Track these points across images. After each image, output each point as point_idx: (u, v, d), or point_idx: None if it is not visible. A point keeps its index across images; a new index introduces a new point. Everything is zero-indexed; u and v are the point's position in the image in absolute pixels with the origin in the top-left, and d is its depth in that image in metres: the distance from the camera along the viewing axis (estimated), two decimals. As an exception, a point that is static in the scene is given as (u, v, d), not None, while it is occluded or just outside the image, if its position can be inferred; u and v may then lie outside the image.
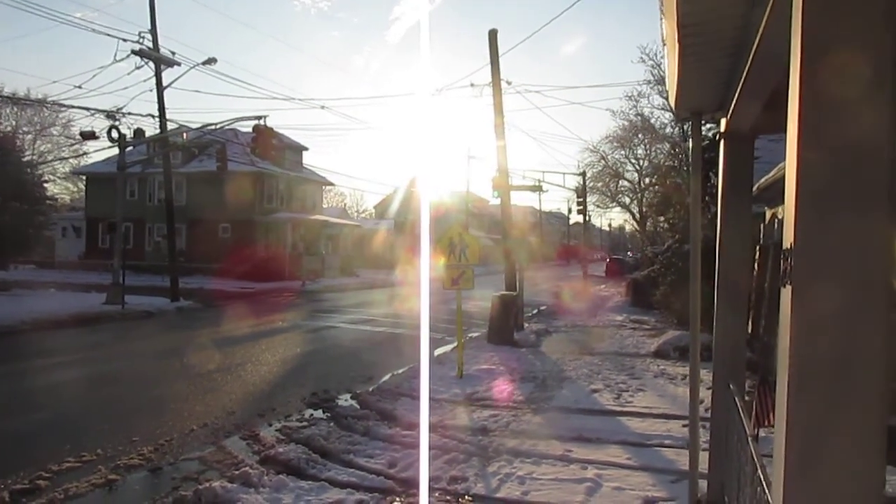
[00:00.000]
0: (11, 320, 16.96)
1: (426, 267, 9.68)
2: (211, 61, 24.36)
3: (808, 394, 1.46)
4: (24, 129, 46.91)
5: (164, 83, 24.65)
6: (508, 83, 22.12)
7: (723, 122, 4.11)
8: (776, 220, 11.21)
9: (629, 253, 61.13)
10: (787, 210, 1.51)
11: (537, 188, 32.05)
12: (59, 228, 43.82)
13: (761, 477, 2.52)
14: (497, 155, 18.72)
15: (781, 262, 1.55)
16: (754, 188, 10.44)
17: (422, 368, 9.41)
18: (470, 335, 16.34)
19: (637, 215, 47.10)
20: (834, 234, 1.42)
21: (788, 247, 1.49)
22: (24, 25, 78.83)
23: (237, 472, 6.50)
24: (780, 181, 1.41)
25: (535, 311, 23.28)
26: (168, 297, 23.94)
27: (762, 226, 12.49)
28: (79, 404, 9.64)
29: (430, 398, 9.50)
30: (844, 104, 1.41)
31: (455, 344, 12.62)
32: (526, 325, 18.27)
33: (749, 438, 3.03)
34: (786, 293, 1.51)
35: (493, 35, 18.47)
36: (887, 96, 1.38)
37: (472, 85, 21.60)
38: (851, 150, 1.40)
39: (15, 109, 46.22)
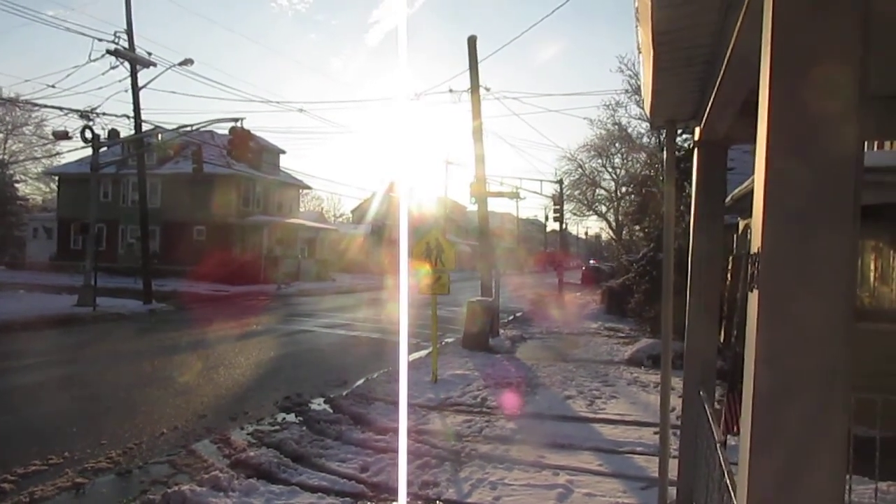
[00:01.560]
0: (-22, 321, 16.65)
1: (404, 272, 9.65)
2: (187, 62, 24.18)
3: (772, 397, 1.47)
4: (-5, 127, 46.19)
5: (140, 84, 24.44)
6: (487, 89, 22.26)
7: (697, 130, 4.16)
8: (749, 231, 11.36)
9: (605, 261, 61.53)
10: (755, 216, 1.53)
11: (515, 195, 32.10)
12: (30, 229, 43.16)
13: (728, 483, 2.54)
14: (475, 161, 18.78)
15: (749, 266, 1.56)
16: (728, 198, 10.55)
17: (401, 372, 9.39)
18: (445, 340, 16.33)
19: (613, 224, 47.44)
20: (800, 239, 1.43)
21: (756, 252, 1.50)
22: (-2, 22, 77.72)
23: (207, 476, 6.42)
24: (753, 192, 1.44)
25: (510, 318, 23.32)
26: (141, 300, 23.67)
27: (735, 236, 12.64)
28: (47, 407, 9.47)
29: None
30: (814, 114, 1.43)
31: (430, 349, 12.60)
32: (501, 331, 18.30)
33: (717, 445, 3.05)
34: (753, 298, 1.52)
35: (472, 41, 18.56)
36: (856, 107, 1.40)
37: (450, 91, 21.62)
38: (820, 159, 1.42)
39: (-15, 108, 45.49)
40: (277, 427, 8.53)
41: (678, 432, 4.80)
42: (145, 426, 8.35)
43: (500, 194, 30.38)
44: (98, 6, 43.33)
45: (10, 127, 47.33)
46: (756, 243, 1.50)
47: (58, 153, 44.03)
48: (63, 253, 40.38)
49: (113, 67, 23.54)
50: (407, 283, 9.34)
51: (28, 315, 18.35)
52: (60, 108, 39.45)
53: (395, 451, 7.39)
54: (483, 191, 19.07)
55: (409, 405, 9.58)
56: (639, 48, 3.16)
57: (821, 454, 1.50)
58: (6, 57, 79.27)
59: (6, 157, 44.30)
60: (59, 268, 38.29)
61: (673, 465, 4.74)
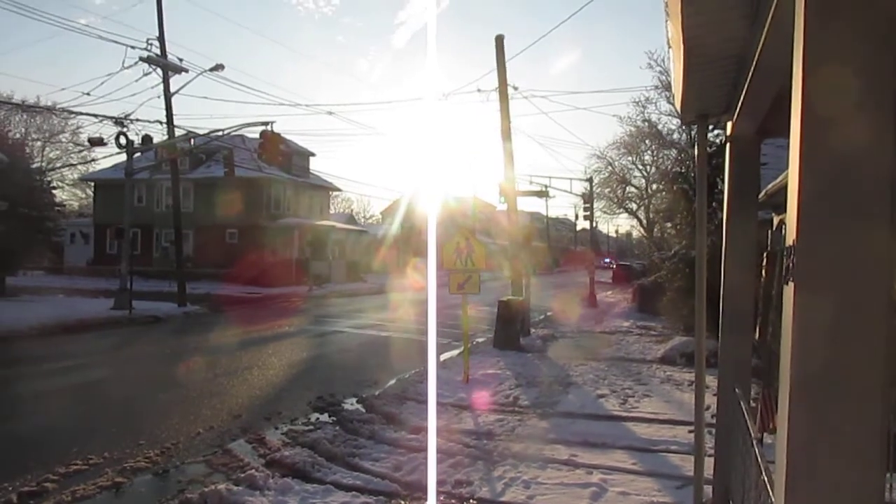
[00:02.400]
0: (20, 325, 17.06)
1: (433, 272, 9.68)
2: (218, 68, 24.48)
3: (809, 393, 1.46)
4: (34, 136, 47.24)
5: (172, 90, 24.83)
6: (515, 88, 22.15)
7: (729, 125, 4.11)
8: (783, 226, 11.18)
9: (636, 259, 60.99)
10: (790, 209, 1.51)
11: (544, 194, 31.92)
12: (67, 235, 44.02)
13: (766, 480, 2.51)
14: (503, 160, 18.73)
15: (784, 259, 1.55)
16: (762, 194, 10.40)
17: (429, 372, 9.41)
18: (476, 340, 16.32)
19: (644, 221, 47.00)
20: (836, 232, 1.42)
21: (791, 245, 1.49)
22: (34, 33, 79.45)
23: (243, 475, 6.52)
24: (787, 187, 1.42)
25: (541, 317, 23.24)
26: (175, 303, 24.03)
27: (769, 232, 12.45)
28: (86, 408, 9.67)
29: (436, 402, 9.49)
30: (847, 109, 1.42)
31: (461, 349, 12.61)
32: (532, 330, 18.24)
33: (754, 442, 3.02)
34: (788, 291, 1.51)
35: (499, 41, 18.51)
36: (890, 102, 1.39)
37: (478, 90, 21.60)
38: (854, 153, 1.41)
39: (25, 117, 46.57)
40: (311, 427, 8.61)
41: (713, 431, 4.76)
42: (182, 426, 8.48)
43: (529, 193, 30.24)
44: (131, 14, 44.05)
45: (47, 135, 48.41)
46: (791, 236, 1.49)
47: (93, 159, 44.78)
48: (99, 257, 41.16)
49: (146, 74, 24.01)
50: (436, 283, 9.38)
51: (67, 319, 18.74)
52: (95, 116, 40.19)
53: (427, 449, 7.41)
54: (512, 190, 19.02)
55: (441, 405, 9.60)
56: (668, 43, 3.13)
57: (860, 450, 1.48)
58: (43, 66, 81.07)
59: (44, 164, 45.25)
60: (96, 272, 39.03)
61: (708, 463, 4.69)
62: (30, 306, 21.32)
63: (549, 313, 25.04)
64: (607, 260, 75.50)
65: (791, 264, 1.50)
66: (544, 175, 57.48)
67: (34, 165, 35.06)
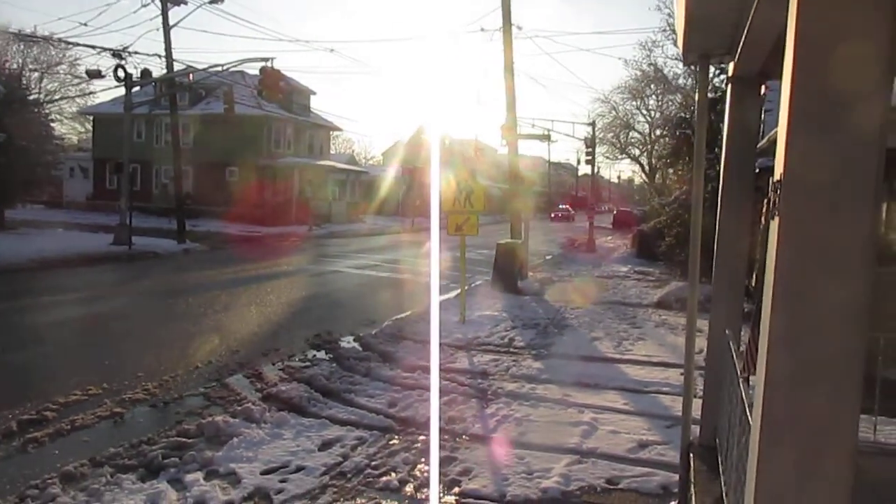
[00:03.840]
0: (19, 258, 17.13)
1: (435, 214, 9.67)
2: (218, 0, 23.97)
3: (788, 327, 1.46)
4: (31, 67, 46.38)
5: (171, 22, 24.37)
6: (519, 28, 21.73)
7: (731, 66, 4.04)
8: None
9: (637, 206, 60.82)
10: (779, 144, 1.50)
11: (546, 137, 31.73)
12: (66, 169, 43.75)
13: (748, 417, 2.55)
14: (506, 102, 18.52)
15: (771, 194, 1.54)
16: (765, 140, 10.31)
17: (432, 308, 9.45)
18: (475, 282, 16.42)
19: (646, 167, 46.74)
20: (823, 166, 1.41)
21: (778, 179, 1.48)
22: (30, -39, 77.31)
23: (240, 408, 6.63)
24: (777, 124, 1.39)
25: (540, 261, 23.32)
26: (175, 240, 24.07)
27: (770, 179, 12.40)
28: (86, 341, 9.79)
29: (431, 342, 9.60)
30: (839, 38, 1.39)
31: (459, 290, 12.69)
32: (530, 273, 18.32)
33: (740, 380, 3.06)
34: (773, 225, 1.50)
35: (504, -22, 18.08)
36: (882, 34, 1.36)
37: (482, 29, 21.23)
38: (843, 89, 1.38)
39: (21, 47, 45.66)
40: (308, 363, 8.72)
41: (704, 373, 4.81)
42: (180, 360, 8.59)
43: (531, 136, 30.07)
44: (127, -57, 42.77)
45: (44, 66, 47.57)
46: (778, 171, 1.48)
47: (92, 93, 44.09)
48: (99, 192, 41.04)
49: (144, 5, 23.67)
50: (437, 224, 9.38)
51: (66, 253, 18.79)
52: (93, 47, 39.52)
53: (423, 387, 7.54)
54: (514, 133, 18.86)
55: (438, 344, 9.70)
56: (671, -23, 3.06)
57: (838, 388, 1.49)
58: (39, -4, 79.19)
59: (42, 96, 44.65)
60: (96, 207, 38.97)
61: (697, 404, 4.76)
62: (29, 239, 21.35)
63: (548, 257, 25.13)
64: (606, 206, 75.29)
65: (777, 199, 1.49)
66: (547, 119, 56.92)
67: (32, 97, 34.61)
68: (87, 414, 6.48)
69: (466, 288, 12.55)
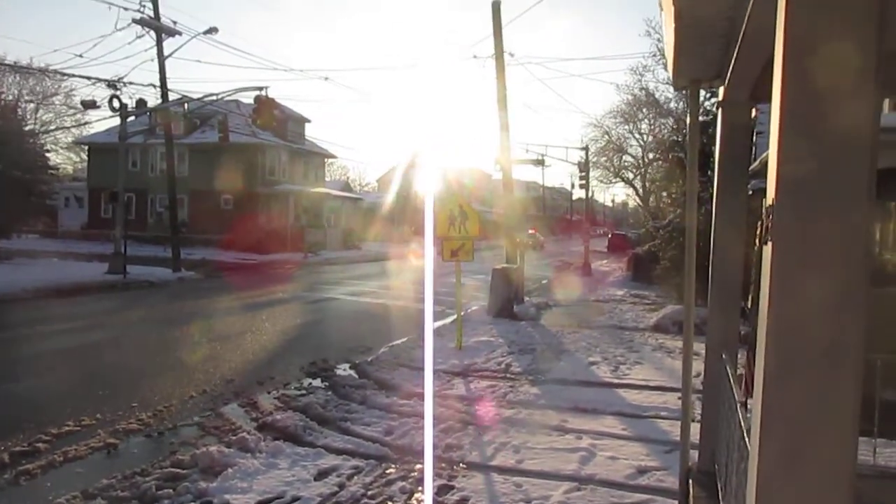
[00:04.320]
0: (13, 288, 17.06)
1: (429, 240, 9.69)
2: (212, 31, 24.20)
3: (784, 348, 1.46)
4: (27, 98, 46.64)
5: (166, 53, 24.53)
6: (511, 55, 21.99)
7: (721, 90, 4.08)
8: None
9: (632, 229, 60.98)
10: (770, 169, 1.50)
11: (540, 162, 31.86)
12: (61, 198, 43.76)
13: (747, 443, 2.53)
14: (499, 128, 18.63)
15: (764, 219, 1.54)
16: (757, 162, 10.38)
17: (426, 337, 9.43)
18: (470, 308, 16.38)
19: (640, 191, 46.96)
20: (815, 191, 1.41)
21: (770, 204, 1.48)
22: (26, -7, 78.23)
23: (234, 438, 6.57)
24: (769, 150, 1.40)
25: (535, 286, 23.31)
26: (170, 268, 24.01)
27: (763, 201, 12.47)
28: (79, 370, 9.70)
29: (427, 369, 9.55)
30: (827, 59, 1.40)
31: (455, 317, 12.66)
32: (526, 298, 18.29)
33: (738, 406, 3.04)
34: (766, 251, 1.50)
35: (496, 7, 18.30)
36: (869, 53, 1.37)
37: (475, 57, 21.47)
38: (833, 107, 1.39)
39: (17, 78, 45.92)
40: (304, 391, 8.66)
41: (702, 396, 4.79)
42: (175, 390, 8.53)
43: (525, 162, 30.15)
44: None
45: (40, 97, 47.81)
46: (770, 196, 1.48)
47: (87, 123, 44.34)
48: (94, 221, 41.01)
49: (139, 37, 23.70)
50: (432, 250, 9.38)
51: (61, 282, 18.73)
52: (88, 78, 39.55)
53: (419, 415, 7.49)
54: (508, 158, 18.94)
55: (434, 371, 9.65)
56: (660, 5, 3.09)
57: (836, 413, 1.48)
58: (36, 27, 79.88)
59: (37, 126, 44.81)
60: (91, 236, 38.92)
61: (696, 429, 4.74)
62: (24, 269, 21.29)
63: (543, 281, 25.12)
64: (600, 230, 75.49)
65: (770, 224, 1.49)
66: (540, 144, 57.21)
67: (27, 128, 34.75)
68: (80, 445, 6.41)
69: (462, 313, 12.53)
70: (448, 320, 14.55)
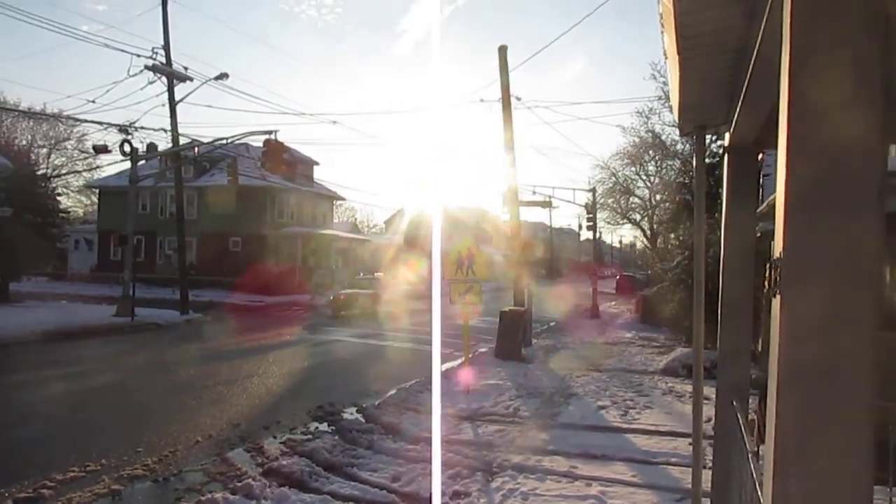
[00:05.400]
0: (22, 331, 17.08)
1: (436, 282, 9.68)
2: (223, 76, 24.56)
3: (795, 402, 1.44)
4: (40, 142, 47.31)
5: (177, 98, 24.90)
6: (518, 99, 22.10)
7: (727, 135, 4.11)
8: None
9: (639, 270, 60.80)
10: (777, 220, 1.50)
11: (547, 204, 31.99)
12: (71, 241, 44.15)
13: (759, 495, 2.49)
14: (506, 171, 18.76)
15: (771, 272, 1.54)
16: (764, 205, 10.40)
17: (433, 382, 9.36)
18: (478, 350, 16.28)
19: (648, 232, 46.89)
20: (821, 243, 1.41)
21: (777, 257, 1.48)
22: (40, 41, 79.98)
23: (240, 484, 6.49)
24: (775, 197, 1.40)
25: (543, 327, 23.19)
26: (178, 310, 24.03)
27: (771, 243, 12.44)
28: (86, 415, 9.65)
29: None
30: (831, 113, 1.41)
31: (462, 359, 12.58)
32: (534, 340, 18.20)
33: (750, 455, 2.99)
34: (775, 303, 1.50)
35: (502, 51, 18.57)
36: (873, 104, 1.38)
37: (481, 101, 21.69)
38: (839, 159, 1.40)
39: (31, 124, 46.68)
40: (310, 436, 8.58)
41: (713, 443, 4.72)
42: (180, 434, 8.46)
43: (532, 203, 30.28)
44: (136, 23, 44.26)
45: (53, 142, 48.50)
46: (778, 248, 1.48)
47: (98, 167, 44.76)
48: (103, 264, 41.20)
49: (151, 83, 24.08)
50: (439, 293, 9.37)
51: (69, 325, 18.75)
52: (100, 123, 40.25)
53: (427, 460, 7.40)
54: (515, 200, 19.03)
55: (442, 415, 9.56)
56: (665, 54, 3.13)
57: (847, 455, 1.46)
58: (49, 74, 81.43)
59: (49, 170, 45.37)
60: (100, 279, 39.05)
61: (707, 476, 4.66)
62: (33, 312, 21.33)
63: (551, 323, 24.99)
64: (609, 272, 75.30)
65: (777, 277, 1.49)
66: (547, 185, 57.56)
67: (39, 172, 35.24)
68: (84, 491, 6.35)
69: (470, 356, 12.45)
70: (456, 363, 14.45)
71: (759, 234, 9.66)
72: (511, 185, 18.80)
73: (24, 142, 44.24)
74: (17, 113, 43.27)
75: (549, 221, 73.00)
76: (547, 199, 32.28)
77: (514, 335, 15.51)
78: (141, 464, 7.20)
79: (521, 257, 19.68)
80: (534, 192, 31.33)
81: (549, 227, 73.79)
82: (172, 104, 24.79)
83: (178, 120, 25.05)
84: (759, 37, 2.22)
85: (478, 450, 7.99)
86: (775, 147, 1.79)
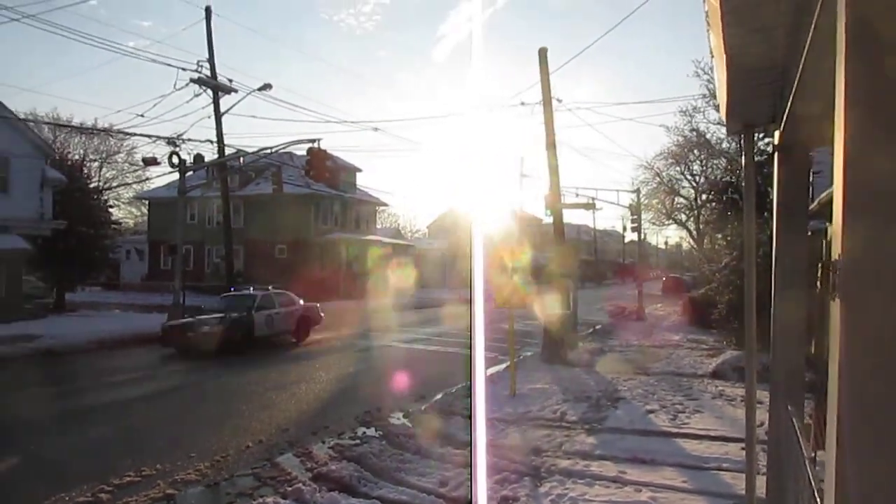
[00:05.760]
0: (78, 340, 17.59)
1: (479, 286, 9.67)
2: (266, 87, 24.97)
3: (856, 407, 1.40)
4: (92, 156, 48.74)
5: (222, 109, 25.41)
6: (559, 101, 22.04)
7: (776, 134, 4.02)
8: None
9: (686, 272, 59.85)
10: (835, 222, 1.46)
11: (590, 206, 31.71)
12: (123, 251, 45.28)
13: (818, 501, 2.43)
14: (549, 173, 18.65)
15: (830, 274, 1.50)
16: (815, 203, 10.14)
17: (477, 386, 9.37)
18: (524, 354, 16.22)
19: (694, 232, 46.13)
20: (883, 245, 1.36)
21: (836, 259, 1.44)
22: (91, 59, 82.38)
23: (290, 489, 6.58)
24: (833, 197, 1.36)
25: (589, 330, 22.98)
26: (226, 317, 24.41)
27: (824, 242, 12.12)
28: (140, 420, 9.89)
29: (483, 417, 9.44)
30: (892, 106, 1.37)
31: (508, 363, 12.55)
32: (580, 343, 18.06)
33: (806, 461, 2.92)
34: (834, 308, 1.46)
35: (543, 53, 18.47)
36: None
37: (522, 104, 21.60)
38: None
39: (83, 139, 48.19)
40: (358, 441, 8.65)
41: (767, 448, 4.62)
42: (231, 439, 8.61)
43: (575, 206, 30.06)
44: (181, 38, 45.37)
45: (104, 155, 49.98)
46: (836, 251, 1.44)
47: (147, 178, 45.89)
48: (153, 273, 42.20)
49: (196, 95, 24.62)
50: (482, 297, 9.36)
51: (123, 334, 19.25)
52: (149, 136, 41.01)
53: (474, 465, 7.38)
54: (558, 202, 18.91)
55: (488, 419, 9.54)
56: (711, 52, 3.08)
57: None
58: (100, 90, 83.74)
59: (101, 183, 46.65)
60: (151, 287, 40.00)
61: (761, 482, 4.56)
62: (88, 321, 21.96)
63: (597, 326, 24.75)
64: (654, 274, 74.32)
65: (837, 279, 1.45)
66: (590, 187, 57.08)
67: (92, 185, 36.16)
68: (140, 496, 6.50)
69: (515, 360, 12.41)
70: (501, 367, 14.42)
71: (810, 233, 9.43)
72: (553, 188, 18.69)
73: (76, 156, 45.53)
74: (70, 129, 44.67)
75: (593, 223, 72.50)
76: (590, 201, 32.01)
77: (559, 338, 15.41)
78: (194, 469, 7.34)
79: (564, 260, 19.54)
80: (577, 195, 31.12)
81: (593, 229, 73.25)
82: (218, 116, 25.31)
83: (224, 131, 25.56)
84: (812, 29, 2.17)
85: (525, 454, 7.95)
86: (829, 144, 1.75)
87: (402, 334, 22.27)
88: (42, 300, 27.24)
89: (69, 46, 51.48)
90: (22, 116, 27.63)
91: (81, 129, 43.74)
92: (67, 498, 6.34)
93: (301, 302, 20.77)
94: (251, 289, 21.29)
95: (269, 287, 20.76)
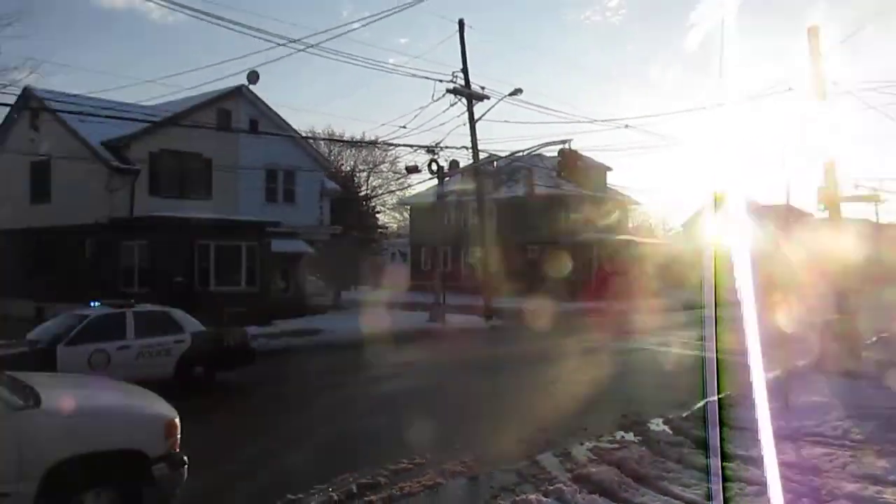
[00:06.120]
0: (354, 335, 19.42)
1: (745, 287, 9.07)
2: (517, 92, 25.52)
3: None
4: (360, 167, 53.44)
5: (476, 116, 26.41)
6: (834, 84, 19.86)
7: None
8: None
9: None
10: None
11: (873, 198, 28.25)
12: (388, 253, 49.06)
13: None
14: (823, 164, 16.91)
15: None
16: None
17: (756, 395, 8.75)
18: (797, 363, 14.87)
19: None
20: None
21: None
22: (356, 79, 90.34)
23: (551, 488, 6.67)
24: None
25: (874, 339, 20.43)
26: (482, 316, 25.45)
27: None
28: (407, 411, 10.63)
29: (751, 429, 8.81)
30: None
31: (778, 372, 11.60)
32: (864, 353, 16.11)
33: None
34: None
35: (813, 32, 16.80)
36: None
37: (789, 89, 19.79)
38: None
39: (353, 151, 53.00)
40: (616, 445, 8.54)
41: None
42: (490, 435, 8.96)
43: (854, 199, 26.88)
44: (437, 52, 48.02)
45: (371, 165, 54.53)
46: None
47: (408, 185, 49.36)
48: (415, 274, 45.05)
49: (452, 105, 25.83)
50: (750, 299, 8.75)
51: (391, 329, 20.84)
52: (410, 146, 43.96)
53: (744, 480, 7.00)
54: (834, 196, 17.07)
55: (757, 432, 8.88)
56: None
57: None
58: (366, 106, 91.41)
59: (369, 191, 50.97)
60: (414, 287, 42.68)
61: None
62: (359, 318, 24.08)
63: (882, 334, 21.93)
64: None
65: None
66: (873, 177, 50.65)
67: (361, 193, 39.72)
68: (412, 482, 7.01)
69: (788, 368, 11.42)
70: (769, 376, 13.34)
71: None
72: (829, 179, 16.90)
73: (348, 167, 50.24)
74: (342, 143, 49.34)
75: (875, 217, 64.45)
76: (873, 193, 28.53)
77: (838, 347, 13.92)
78: (459, 461, 7.73)
79: (842, 259, 17.58)
80: (856, 186, 27.88)
81: (876, 222, 65.12)
82: (472, 123, 26.37)
83: (477, 136, 26.56)
84: None
85: (802, 473, 7.29)
86: None
87: (657, 337, 21.54)
88: (322, 297, 30.39)
89: (339, 67, 56.90)
90: (304, 134, 30.99)
91: (352, 143, 48.03)
92: (351, 479, 6.99)
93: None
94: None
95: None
